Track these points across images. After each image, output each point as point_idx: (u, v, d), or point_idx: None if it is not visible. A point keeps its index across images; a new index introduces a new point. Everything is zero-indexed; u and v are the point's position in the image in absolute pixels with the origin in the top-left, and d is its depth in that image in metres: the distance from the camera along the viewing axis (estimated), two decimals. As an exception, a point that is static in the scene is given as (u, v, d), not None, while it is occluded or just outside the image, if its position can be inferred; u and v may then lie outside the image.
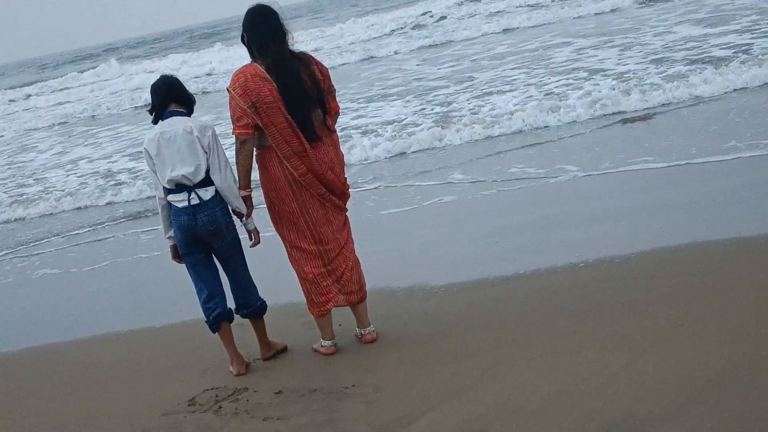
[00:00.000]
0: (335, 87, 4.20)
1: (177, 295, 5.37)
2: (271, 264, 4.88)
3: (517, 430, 3.20)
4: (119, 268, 6.98)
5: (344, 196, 4.22)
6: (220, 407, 3.94)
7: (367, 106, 12.91)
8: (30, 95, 31.40)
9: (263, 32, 3.98)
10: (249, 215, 4.20)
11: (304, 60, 4.04)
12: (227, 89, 4.03)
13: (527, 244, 5.43)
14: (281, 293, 4.95)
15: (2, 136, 20.70)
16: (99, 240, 8.14)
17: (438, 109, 11.31)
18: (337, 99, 4.23)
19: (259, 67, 3.97)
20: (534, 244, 5.38)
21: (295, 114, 3.96)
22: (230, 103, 3.98)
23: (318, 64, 4.10)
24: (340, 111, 4.26)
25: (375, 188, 7.91)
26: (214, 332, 4.28)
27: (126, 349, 5.02)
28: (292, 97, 3.94)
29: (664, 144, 7.26)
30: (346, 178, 4.23)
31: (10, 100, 30.62)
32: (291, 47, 4.03)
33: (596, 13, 19.63)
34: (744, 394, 3.12)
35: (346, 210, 4.28)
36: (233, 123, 3.98)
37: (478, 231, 5.96)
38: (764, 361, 3.32)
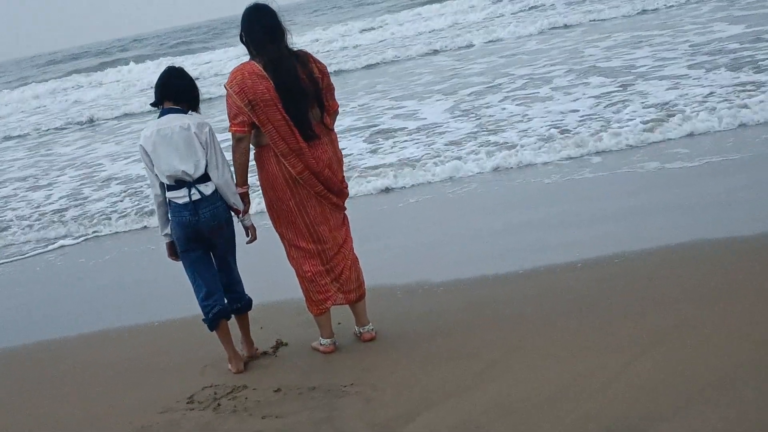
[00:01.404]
0: (334, 85, 4.19)
1: (177, 292, 5.36)
2: (269, 261, 4.87)
3: (515, 430, 3.19)
4: (119, 264, 6.98)
5: (342, 194, 4.21)
6: (219, 405, 3.93)
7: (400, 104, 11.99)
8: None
9: (260, 30, 3.98)
10: (246, 212, 4.20)
11: (302, 58, 4.03)
12: (224, 86, 4.02)
13: (527, 243, 5.42)
14: (280, 291, 4.95)
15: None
16: (99, 236, 8.15)
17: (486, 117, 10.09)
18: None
19: (256, 65, 3.96)
20: (534, 244, 5.37)
21: (291, 112, 3.95)
22: (227, 100, 3.98)
23: (316, 62, 4.09)
24: (339, 109, 4.24)
25: (379, 185, 7.90)
26: (212, 330, 4.26)
27: (125, 347, 5.02)
28: (289, 95, 3.93)
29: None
30: (344, 177, 4.22)
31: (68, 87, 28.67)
32: (289, 45, 4.02)
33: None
34: (744, 395, 3.11)
35: (345, 208, 4.28)
36: (230, 120, 3.97)
37: (481, 228, 5.95)
38: (764, 361, 3.32)
